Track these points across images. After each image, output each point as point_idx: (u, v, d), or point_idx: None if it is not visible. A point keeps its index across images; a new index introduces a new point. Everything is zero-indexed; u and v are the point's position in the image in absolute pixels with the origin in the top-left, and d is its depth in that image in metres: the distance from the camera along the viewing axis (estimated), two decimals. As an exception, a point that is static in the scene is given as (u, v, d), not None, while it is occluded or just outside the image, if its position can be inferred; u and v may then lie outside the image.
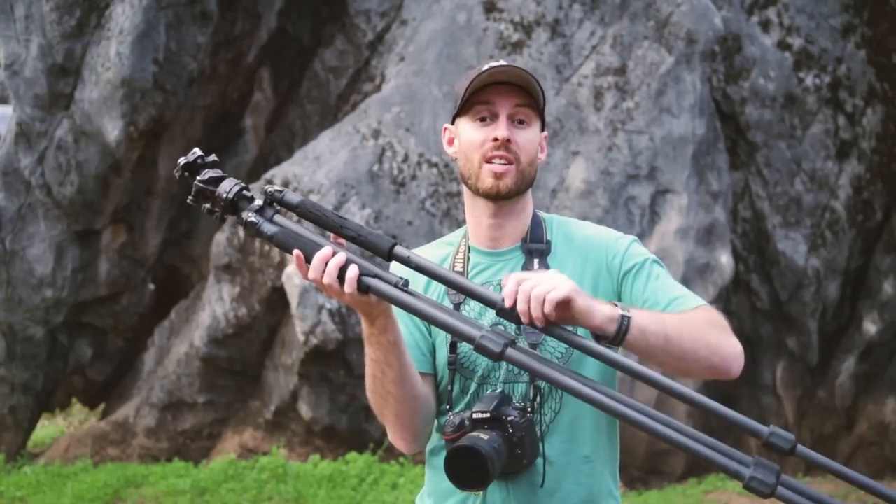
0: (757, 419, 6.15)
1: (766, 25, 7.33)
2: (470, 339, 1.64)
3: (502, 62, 1.97)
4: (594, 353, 1.66)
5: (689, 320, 1.81)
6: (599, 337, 1.72)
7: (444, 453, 1.90)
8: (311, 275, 1.70)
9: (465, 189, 2.00)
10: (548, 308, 1.63)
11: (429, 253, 2.04)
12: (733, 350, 1.84)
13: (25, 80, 7.07)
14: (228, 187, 1.74)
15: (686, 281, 6.54)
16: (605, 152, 6.72)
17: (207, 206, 1.76)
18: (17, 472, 6.93)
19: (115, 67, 6.84)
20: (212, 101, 7.40)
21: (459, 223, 6.69)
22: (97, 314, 7.57)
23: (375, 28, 7.60)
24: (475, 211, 2.00)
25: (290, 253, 1.72)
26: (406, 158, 6.77)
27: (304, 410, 6.76)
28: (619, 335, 1.70)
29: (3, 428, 7.35)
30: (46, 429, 8.56)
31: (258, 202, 1.74)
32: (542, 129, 2.01)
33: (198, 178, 1.76)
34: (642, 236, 6.54)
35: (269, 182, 6.80)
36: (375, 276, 1.70)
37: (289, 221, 1.75)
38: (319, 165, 6.77)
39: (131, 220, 7.44)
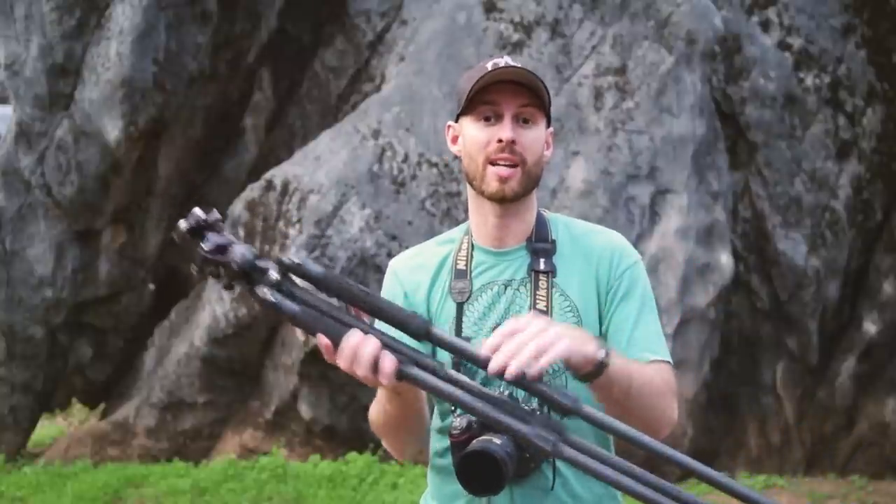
0: (757, 419, 6.15)
1: (766, 25, 7.33)
2: (517, 435, 1.52)
3: (507, 59, 1.93)
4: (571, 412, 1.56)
5: (651, 383, 1.79)
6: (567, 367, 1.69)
7: (449, 455, 1.88)
8: (340, 363, 1.57)
9: (468, 187, 1.97)
10: (543, 365, 1.52)
11: (430, 251, 2.02)
12: (671, 419, 1.86)
13: (25, 80, 7.07)
14: (239, 258, 1.55)
15: (686, 281, 6.55)
16: (605, 152, 6.72)
17: (212, 270, 1.59)
18: (17, 472, 6.93)
19: (115, 67, 6.84)
20: (212, 101, 7.41)
21: (459, 223, 6.66)
22: (97, 314, 7.57)
23: (375, 28, 7.60)
24: (480, 210, 1.96)
25: (314, 335, 1.57)
26: (406, 158, 6.77)
27: (304, 410, 6.77)
28: (588, 376, 1.66)
29: (3, 428, 7.36)
30: (46, 429, 8.56)
31: (273, 274, 1.55)
32: (549, 126, 1.97)
33: (203, 247, 1.56)
34: (642, 236, 6.54)
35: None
36: (413, 361, 1.55)
37: (307, 291, 1.58)
38: (319, 165, 6.77)
39: (131, 220, 7.45)
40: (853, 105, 7.29)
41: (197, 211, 1.58)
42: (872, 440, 7.14)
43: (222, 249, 1.57)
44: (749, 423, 7.18)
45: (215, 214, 1.59)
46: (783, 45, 7.29)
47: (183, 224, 1.56)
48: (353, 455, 6.52)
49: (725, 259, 6.71)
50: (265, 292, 1.55)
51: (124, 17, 6.86)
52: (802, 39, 7.31)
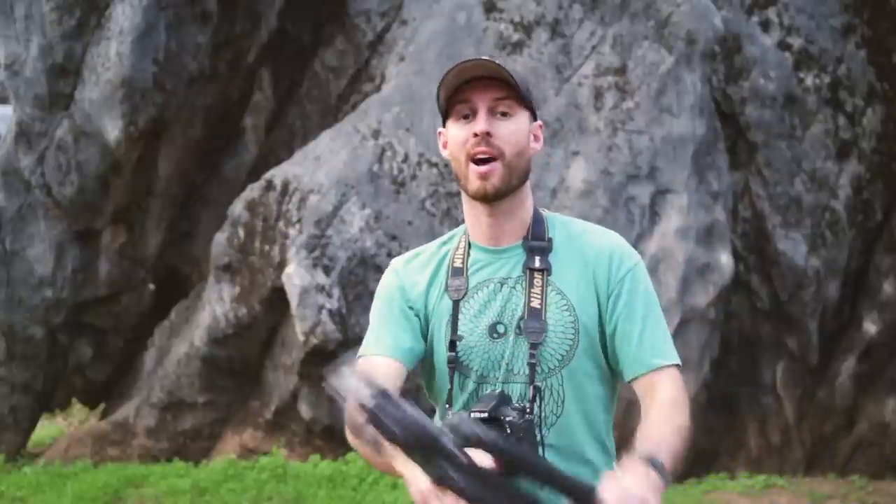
0: (757, 419, 6.16)
1: (766, 25, 7.33)
2: None
3: (481, 58, 1.92)
4: None
5: (680, 431, 1.87)
6: None
7: None
8: None
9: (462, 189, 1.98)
10: None
11: (430, 251, 2.03)
12: (688, 433, 1.91)
13: (25, 80, 7.07)
14: (421, 433, 1.44)
15: (686, 281, 6.55)
16: (605, 152, 6.72)
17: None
18: (17, 472, 6.93)
19: (115, 67, 6.84)
20: (212, 101, 7.41)
21: (459, 223, 6.66)
22: (97, 314, 7.57)
23: (375, 28, 7.60)
24: (473, 210, 1.97)
25: None
26: (406, 158, 6.77)
27: (304, 410, 6.76)
28: None
29: (3, 428, 7.36)
30: (46, 429, 8.56)
31: (449, 445, 1.47)
32: (535, 119, 1.96)
33: (395, 432, 1.44)
34: (642, 236, 6.54)
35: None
36: None
37: (475, 458, 1.49)
38: (319, 165, 6.77)
39: (131, 220, 7.45)
40: (853, 105, 7.29)
41: (377, 383, 1.46)
42: (872, 440, 7.15)
43: (402, 422, 1.44)
44: (749, 423, 7.18)
45: (385, 387, 1.48)
46: (783, 45, 7.29)
47: (369, 401, 1.43)
48: (353, 455, 6.52)
49: (725, 259, 6.71)
50: (446, 469, 1.46)
51: (124, 17, 6.86)
52: (802, 39, 7.31)
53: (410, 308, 1.95)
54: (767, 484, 6.62)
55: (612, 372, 1.94)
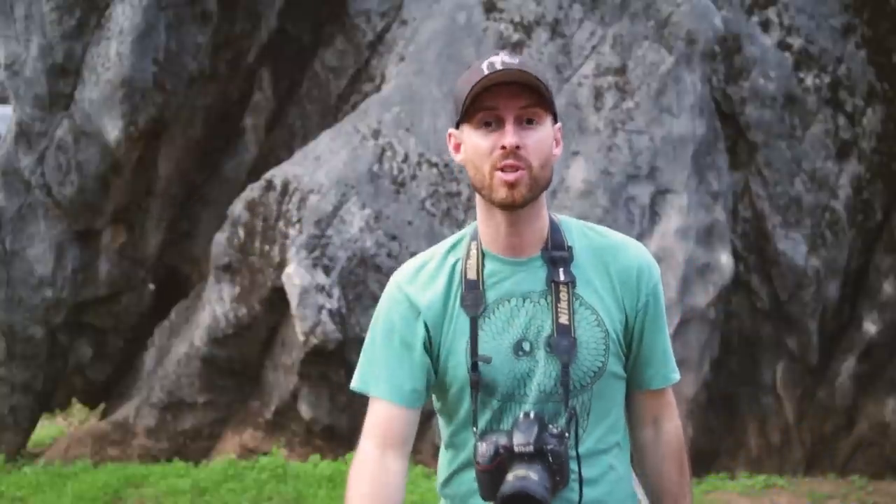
0: (757, 419, 6.19)
1: (766, 25, 7.33)
2: None
3: (503, 56, 1.84)
4: None
5: (689, 490, 2.01)
6: None
7: (465, 477, 1.88)
8: None
9: (478, 196, 1.88)
10: None
11: (437, 260, 1.93)
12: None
13: (25, 80, 7.07)
14: None
15: (686, 281, 6.55)
16: (605, 152, 6.72)
17: None
18: (17, 472, 6.93)
19: (115, 67, 6.84)
20: (212, 101, 7.40)
21: (459, 223, 6.69)
22: (97, 314, 7.57)
23: (375, 28, 7.60)
24: (491, 219, 1.88)
25: None
26: (406, 158, 6.77)
27: (304, 410, 6.77)
28: None
29: (3, 428, 7.35)
30: (46, 429, 8.56)
31: None
32: (556, 121, 1.91)
33: None
34: (642, 236, 6.54)
35: (273, 182, 6.79)
36: None
37: None
38: (319, 165, 6.77)
39: (131, 220, 7.44)
40: (853, 105, 7.29)
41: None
42: (872, 440, 7.14)
43: None
44: (749, 423, 7.18)
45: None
46: (783, 45, 7.29)
47: None
48: (353, 455, 6.51)
49: (725, 259, 6.71)
50: None
51: (124, 17, 6.86)
52: (802, 39, 7.31)
53: (418, 324, 1.88)
54: (767, 484, 6.62)
55: (624, 374, 1.94)
